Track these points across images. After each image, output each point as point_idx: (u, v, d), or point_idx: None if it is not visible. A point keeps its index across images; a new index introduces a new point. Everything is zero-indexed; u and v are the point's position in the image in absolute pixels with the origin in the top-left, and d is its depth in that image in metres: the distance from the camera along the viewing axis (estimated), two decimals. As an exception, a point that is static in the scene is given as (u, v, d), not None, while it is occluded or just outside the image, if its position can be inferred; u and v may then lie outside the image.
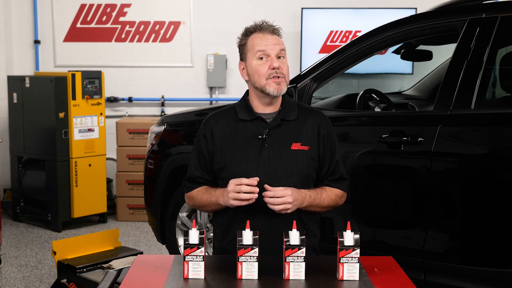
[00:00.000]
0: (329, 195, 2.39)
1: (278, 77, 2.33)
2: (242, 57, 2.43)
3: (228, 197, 2.25)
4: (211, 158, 2.41)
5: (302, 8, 6.19)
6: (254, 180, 2.22)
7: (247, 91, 2.47)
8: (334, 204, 2.42)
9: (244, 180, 2.22)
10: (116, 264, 3.90)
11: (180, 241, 3.93)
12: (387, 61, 5.93)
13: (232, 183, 2.24)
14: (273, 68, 2.32)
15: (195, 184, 2.47)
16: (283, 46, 2.38)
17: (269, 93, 2.33)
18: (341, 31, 6.19)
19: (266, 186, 2.24)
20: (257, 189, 2.22)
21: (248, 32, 2.41)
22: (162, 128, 3.97)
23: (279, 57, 2.36)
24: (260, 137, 2.36)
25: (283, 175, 2.33)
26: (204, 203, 2.41)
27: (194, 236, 2.03)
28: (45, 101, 5.63)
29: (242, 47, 2.42)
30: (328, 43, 6.20)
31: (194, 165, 2.47)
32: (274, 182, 2.31)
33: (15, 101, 5.91)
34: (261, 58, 2.35)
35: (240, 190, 2.22)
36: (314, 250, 2.43)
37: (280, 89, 2.34)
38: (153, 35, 6.49)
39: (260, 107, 2.41)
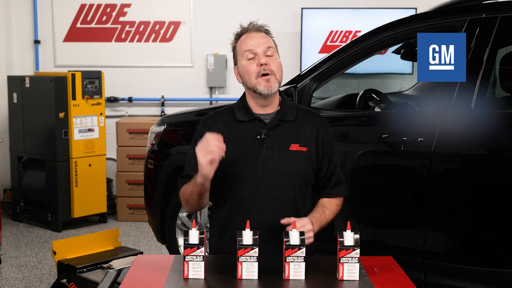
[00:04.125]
0: (331, 210, 2.40)
1: (267, 74, 2.31)
2: (235, 61, 2.44)
3: (200, 164, 2.15)
4: None
5: (302, 8, 6.19)
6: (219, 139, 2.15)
7: (245, 92, 2.46)
8: (337, 214, 2.43)
9: (209, 137, 2.14)
10: (116, 264, 3.90)
11: (180, 241, 3.93)
12: (387, 61, 5.93)
13: (199, 149, 2.14)
14: (261, 65, 2.31)
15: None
16: (271, 44, 2.37)
17: (260, 92, 2.32)
18: (341, 31, 6.19)
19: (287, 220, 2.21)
20: (223, 145, 2.14)
21: (237, 36, 2.42)
22: (162, 128, 3.98)
23: (268, 55, 2.34)
24: (258, 137, 2.35)
25: (281, 176, 2.32)
26: (189, 192, 2.33)
27: (194, 236, 2.03)
28: (45, 101, 5.63)
29: (233, 51, 2.44)
30: (328, 43, 6.20)
31: (189, 165, 2.44)
32: (272, 182, 2.31)
33: (15, 101, 5.92)
34: (250, 58, 2.35)
35: (208, 144, 2.13)
36: (310, 252, 2.41)
37: (270, 87, 2.32)
38: (153, 35, 6.49)
39: (258, 108, 2.40)
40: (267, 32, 2.40)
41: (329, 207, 2.40)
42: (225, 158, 2.33)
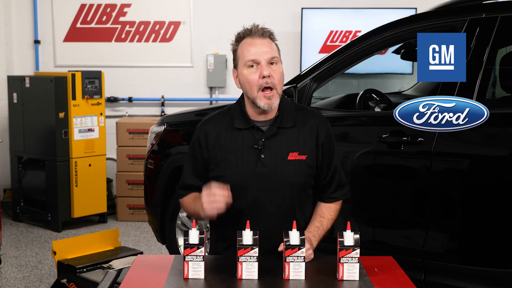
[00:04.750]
0: (329, 219, 2.38)
1: (269, 89, 2.24)
2: (235, 65, 2.36)
3: (204, 208, 2.17)
4: (206, 165, 2.37)
5: (302, 8, 6.19)
6: (225, 189, 2.16)
7: (243, 94, 2.39)
8: (336, 218, 2.41)
9: (215, 189, 2.15)
10: (116, 264, 3.90)
11: (180, 241, 3.93)
12: (387, 61, 5.93)
13: (205, 195, 2.17)
14: (264, 77, 2.23)
15: (186, 190, 2.43)
16: (275, 53, 2.28)
17: (259, 107, 2.27)
18: (341, 31, 6.19)
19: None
20: (228, 194, 2.15)
21: (238, 38, 2.31)
22: (162, 128, 3.98)
23: (271, 63, 2.26)
24: (256, 147, 2.30)
25: (280, 187, 2.30)
26: (192, 212, 2.37)
27: (194, 236, 2.03)
28: (45, 101, 5.63)
29: (234, 54, 2.35)
30: (328, 43, 6.20)
31: (187, 171, 2.43)
32: (271, 192, 2.29)
33: (15, 101, 5.92)
34: (252, 66, 2.26)
35: (214, 199, 2.15)
36: None
37: (271, 104, 2.26)
38: (153, 35, 6.49)
39: (256, 115, 2.33)
40: (271, 37, 2.31)
41: (327, 216, 2.38)
42: (223, 167, 2.31)
